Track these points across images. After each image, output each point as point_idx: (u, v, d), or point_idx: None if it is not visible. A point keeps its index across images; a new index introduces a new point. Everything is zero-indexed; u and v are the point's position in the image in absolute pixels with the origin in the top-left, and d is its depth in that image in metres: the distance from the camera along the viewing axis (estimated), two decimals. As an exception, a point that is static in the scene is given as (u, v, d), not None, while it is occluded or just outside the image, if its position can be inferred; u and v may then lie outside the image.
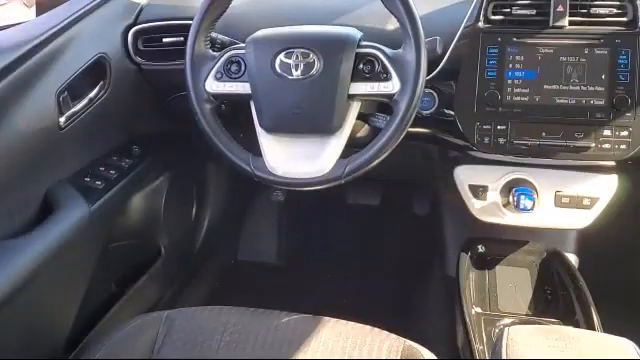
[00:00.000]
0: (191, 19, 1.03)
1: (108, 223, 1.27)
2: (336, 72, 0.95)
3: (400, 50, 0.96)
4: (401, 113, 0.94)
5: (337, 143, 0.98)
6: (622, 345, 0.84)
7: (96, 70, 1.18)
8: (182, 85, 1.04)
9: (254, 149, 1.02)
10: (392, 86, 0.95)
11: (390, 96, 0.96)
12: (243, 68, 1.01)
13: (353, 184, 0.99)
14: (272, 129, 1.00)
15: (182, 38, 1.20)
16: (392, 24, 1.12)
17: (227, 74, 1.02)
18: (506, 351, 0.83)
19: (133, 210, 1.41)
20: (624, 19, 1.05)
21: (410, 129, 0.96)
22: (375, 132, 1.01)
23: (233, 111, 1.16)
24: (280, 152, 1.00)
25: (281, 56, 0.98)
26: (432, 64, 1.08)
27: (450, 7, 1.19)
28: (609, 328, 1.01)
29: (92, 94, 1.18)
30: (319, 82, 0.96)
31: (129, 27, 1.26)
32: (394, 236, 1.93)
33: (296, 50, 0.97)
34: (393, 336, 0.92)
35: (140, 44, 1.27)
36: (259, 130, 1.01)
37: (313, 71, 0.96)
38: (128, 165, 1.31)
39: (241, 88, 1.01)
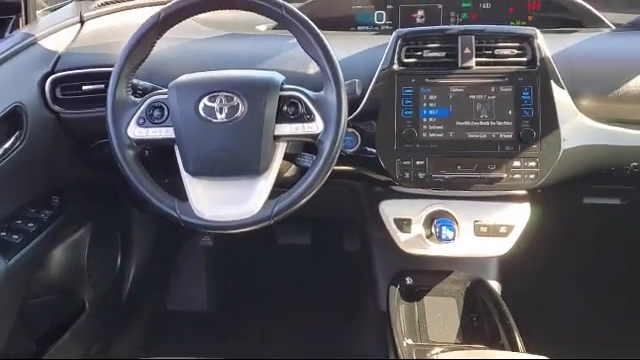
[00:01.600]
0: (111, 66, 1.02)
1: (27, 278, 1.21)
2: (261, 114, 0.97)
3: (322, 92, 1.00)
4: (326, 152, 0.97)
5: (265, 184, 0.99)
6: None
7: (12, 120, 1.15)
8: (104, 132, 1.02)
9: (180, 194, 1.02)
10: (316, 126, 0.98)
11: (315, 136, 0.99)
12: (166, 113, 1.01)
13: (283, 224, 1.00)
14: (198, 173, 1.00)
15: (102, 85, 1.18)
16: (313, 68, 1.16)
17: (150, 119, 1.02)
18: (437, 379, 0.85)
19: (54, 264, 1.35)
20: (525, 59, 1.14)
21: (335, 167, 0.99)
22: (302, 171, 1.03)
23: (157, 157, 1.15)
24: (207, 196, 1.00)
25: (205, 100, 0.99)
26: (353, 105, 1.12)
27: (367, 51, 1.24)
28: (532, 349, 1.06)
29: (7, 145, 1.14)
30: (244, 125, 0.98)
31: (46, 75, 1.23)
32: (326, 274, 1.94)
33: (220, 94, 0.99)
34: None
35: (58, 92, 1.24)
36: (184, 174, 1.01)
37: (238, 114, 0.98)
38: (47, 217, 1.26)
39: (164, 133, 1.01)
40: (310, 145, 1.05)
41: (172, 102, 1.00)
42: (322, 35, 0.98)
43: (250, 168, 0.99)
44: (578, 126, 1.13)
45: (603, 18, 1.36)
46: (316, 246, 2.00)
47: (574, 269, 1.85)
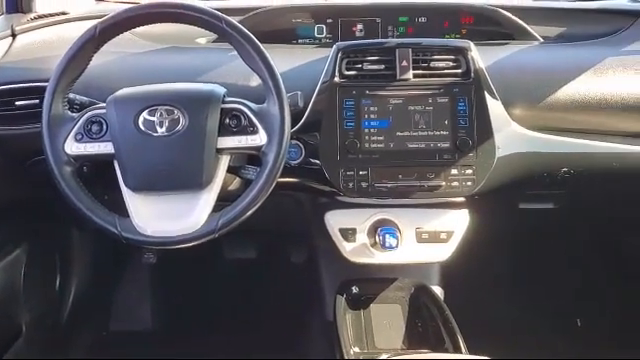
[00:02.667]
0: (46, 81, 1.00)
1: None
2: (202, 127, 0.97)
3: (264, 105, 1.00)
4: (270, 164, 0.97)
5: (208, 197, 0.99)
6: None
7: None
8: (40, 149, 0.99)
9: (121, 210, 1.00)
10: (259, 139, 0.99)
11: (258, 148, 0.99)
12: (105, 128, 1.00)
13: (229, 238, 1.00)
14: (139, 188, 0.99)
15: (37, 101, 1.15)
16: (255, 81, 1.16)
17: (88, 135, 0.99)
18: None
19: (-13, 287, 1.29)
20: (459, 71, 1.18)
21: (280, 179, 0.99)
22: (247, 184, 1.03)
23: (96, 172, 1.12)
24: (149, 211, 0.98)
25: (144, 114, 0.97)
26: (296, 117, 1.14)
27: (308, 64, 1.26)
28: (475, 350, 1.09)
29: None
30: (186, 138, 0.97)
31: None
32: (274, 287, 1.94)
33: (160, 107, 0.98)
34: None
35: None
36: (125, 190, 0.99)
37: (179, 127, 0.97)
38: (-20, 238, 1.21)
39: (104, 148, 0.99)
40: (254, 157, 1.05)
41: (111, 116, 0.99)
42: (263, 48, 0.99)
43: (193, 182, 0.98)
44: (511, 134, 1.18)
45: (532, 31, 1.42)
46: (262, 259, 2.00)
47: (512, 272, 1.92)
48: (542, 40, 1.42)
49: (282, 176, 0.99)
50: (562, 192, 1.33)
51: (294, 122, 1.11)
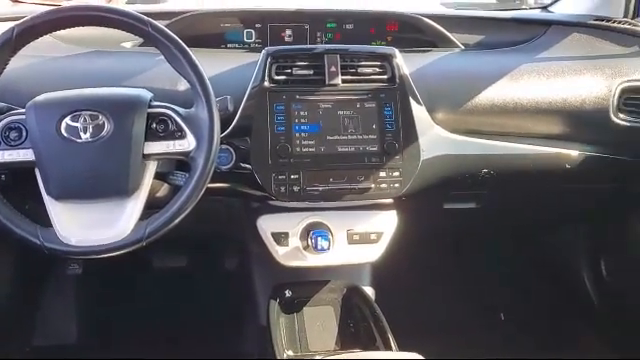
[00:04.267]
0: (-42, 87, 0.95)
1: None
2: (128, 133, 0.95)
3: (192, 109, 1.00)
4: (199, 169, 0.97)
5: (135, 205, 0.97)
6: (411, 358, 0.95)
7: None
8: (-48, 157, 0.94)
9: (43, 220, 0.96)
10: (188, 144, 0.98)
11: (186, 153, 0.98)
12: (25, 134, 0.96)
13: (158, 246, 0.98)
14: (62, 196, 0.95)
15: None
16: (183, 85, 1.15)
17: (5, 142, 0.95)
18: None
19: None
20: (385, 77, 1.22)
21: (210, 185, 0.99)
22: (175, 190, 1.02)
23: (15, 181, 1.08)
24: (73, 220, 0.95)
25: (67, 119, 0.94)
26: (226, 122, 1.13)
27: (237, 69, 1.26)
28: (405, 348, 1.12)
29: None
30: (111, 144, 0.95)
31: None
32: (206, 294, 1.91)
33: (83, 112, 0.95)
34: None
35: None
36: (47, 199, 0.96)
37: (103, 133, 0.95)
38: None
39: (23, 155, 0.95)
40: (182, 163, 1.04)
41: (31, 122, 0.95)
42: (190, 52, 0.98)
43: (118, 189, 0.96)
44: (435, 138, 1.22)
45: (453, 39, 1.48)
46: (194, 266, 1.96)
47: (440, 271, 1.99)
48: (463, 47, 1.48)
49: (212, 181, 0.99)
50: (483, 192, 1.40)
51: (224, 127, 1.11)
